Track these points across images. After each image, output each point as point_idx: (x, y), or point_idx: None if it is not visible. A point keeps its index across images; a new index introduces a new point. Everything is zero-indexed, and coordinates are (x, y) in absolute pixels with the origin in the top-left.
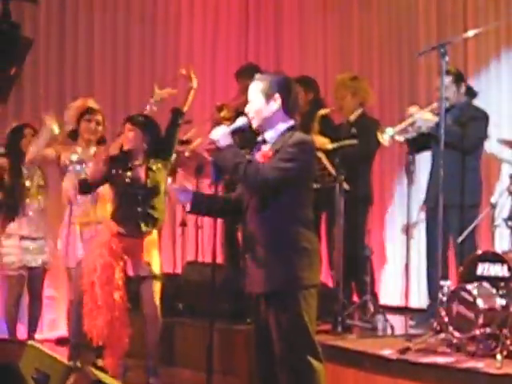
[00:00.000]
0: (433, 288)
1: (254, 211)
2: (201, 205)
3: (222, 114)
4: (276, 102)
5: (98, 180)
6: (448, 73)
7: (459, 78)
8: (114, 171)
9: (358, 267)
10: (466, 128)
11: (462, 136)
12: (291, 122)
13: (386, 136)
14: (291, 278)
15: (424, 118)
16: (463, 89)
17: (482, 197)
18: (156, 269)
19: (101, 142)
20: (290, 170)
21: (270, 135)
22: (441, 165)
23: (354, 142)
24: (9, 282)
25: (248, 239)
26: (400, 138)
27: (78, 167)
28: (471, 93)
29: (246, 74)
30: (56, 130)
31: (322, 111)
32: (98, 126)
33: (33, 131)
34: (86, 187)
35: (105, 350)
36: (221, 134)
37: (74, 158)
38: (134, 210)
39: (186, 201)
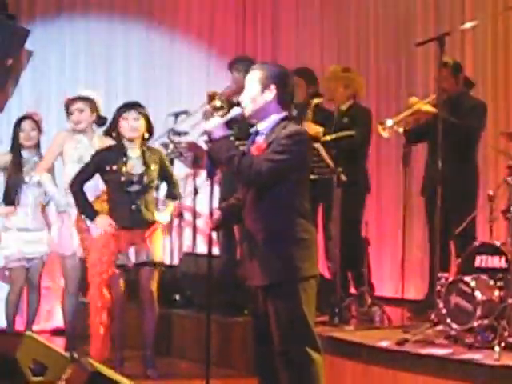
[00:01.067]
0: (432, 279)
1: (251, 204)
2: (226, 222)
3: (213, 102)
4: (271, 93)
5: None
6: (446, 65)
7: (457, 70)
8: (108, 167)
9: (355, 258)
10: (463, 119)
11: (459, 127)
12: (284, 113)
13: (385, 127)
14: (290, 269)
15: (423, 109)
16: (461, 80)
17: (479, 188)
18: (156, 256)
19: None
20: (284, 162)
21: (263, 126)
22: (438, 156)
23: (352, 133)
24: (12, 275)
25: (246, 232)
26: (399, 129)
27: (84, 156)
28: (469, 83)
29: (239, 65)
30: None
31: (316, 100)
32: (80, 113)
33: (33, 124)
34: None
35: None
36: (215, 125)
37: (75, 157)
38: (128, 208)
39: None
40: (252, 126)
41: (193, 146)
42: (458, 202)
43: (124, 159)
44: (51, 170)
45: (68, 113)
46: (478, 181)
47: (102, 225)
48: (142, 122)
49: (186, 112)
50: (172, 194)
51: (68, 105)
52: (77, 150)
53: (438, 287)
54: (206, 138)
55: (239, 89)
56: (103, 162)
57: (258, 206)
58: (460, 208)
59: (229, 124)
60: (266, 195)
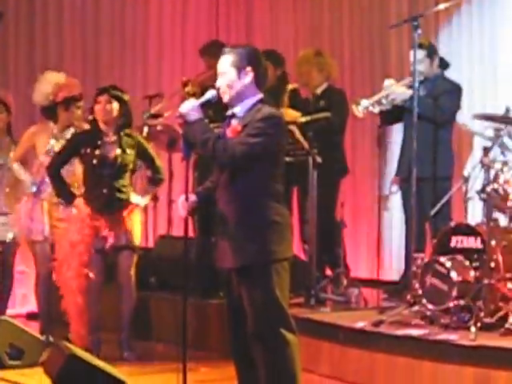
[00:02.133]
0: (408, 260)
1: (225, 186)
2: (201, 206)
3: (187, 89)
4: (248, 75)
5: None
6: (421, 46)
7: (432, 51)
8: (83, 150)
9: (330, 240)
10: (438, 100)
11: (434, 108)
12: (259, 96)
13: (360, 107)
14: (262, 252)
15: (398, 90)
16: (436, 61)
17: (454, 169)
18: (136, 240)
19: None
20: (258, 145)
21: (238, 109)
22: (413, 137)
23: (328, 114)
24: None
25: (219, 215)
26: (374, 110)
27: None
28: (444, 64)
29: (211, 51)
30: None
31: (291, 86)
32: (78, 110)
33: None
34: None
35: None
36: (190, 108)
37: (49, 147)
38: (100, 191)
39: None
40: (227, 108)
41: (168, 129)
42: (433, 182)
43: (98, 142)
44: (24, 161)
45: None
46: (453, 162)
47: (80, 207)
48: (114, 105)
49: (160, 95)
50: (155, 179)
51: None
52: (49, 143)
53: (414, 268)
54: (180, 120)
55: (213, 73)
56: (79, 145)
57: (232, 188)
58: (435, 189)
59: (203, 107)
60: (239, 178)
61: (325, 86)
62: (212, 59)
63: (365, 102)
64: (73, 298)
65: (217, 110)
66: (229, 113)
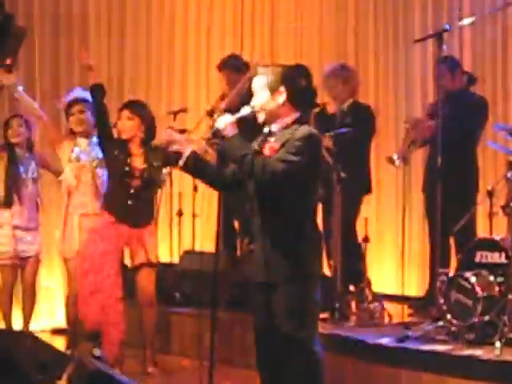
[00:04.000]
0: (433, 276)
1: (263, 204)
2: (194, 164)
3: (215, 116)
4: (281, 96)
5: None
6: (443, 61)
7: (454, 66)
8: (116, 152)
9: (351, 255)
10: (464, 115)
11: (459, 125)
12: (297, 114)
13: (395, 162)
14: (299, 267)
15: (419, 130)
16: (459, 75)
17: (479, 184)
18: (153, 256)
19: None
20: (297, 163)
21: (275, 127)
22: (438, 152)
23: (353, 130)
24: (2, 272)
25: (255, 230)
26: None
27: (81, 156)
28: (470, 79)
29: (228, 65)
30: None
31: (318, 109)
32: (80, 114)
33: (20, 121)
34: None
35: (101, 339)
36: (227, 123)
37: (75, 153)
38: (125, 201)
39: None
40: (259, 125)
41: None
42: (457, 197)
43: (129, 152)
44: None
45: (68, 114)
46: (478, 176)
47: (104, 215)
48: (134, 122)
49: (184, 110)
50: None
51: (68, 106)
52: (74, 151)
53: (439, 283)
54: (216, 136)
55: (234, 96)
56: (113, 147)
57: (269, 205)
58: (460, 204)
59: (238, 122)
60: (277, 195)
61: (350, 102)
62: (231, 74)
63: (395, 156)
64: (113, 305)
65: (249, 126)
66: (266, 130)
